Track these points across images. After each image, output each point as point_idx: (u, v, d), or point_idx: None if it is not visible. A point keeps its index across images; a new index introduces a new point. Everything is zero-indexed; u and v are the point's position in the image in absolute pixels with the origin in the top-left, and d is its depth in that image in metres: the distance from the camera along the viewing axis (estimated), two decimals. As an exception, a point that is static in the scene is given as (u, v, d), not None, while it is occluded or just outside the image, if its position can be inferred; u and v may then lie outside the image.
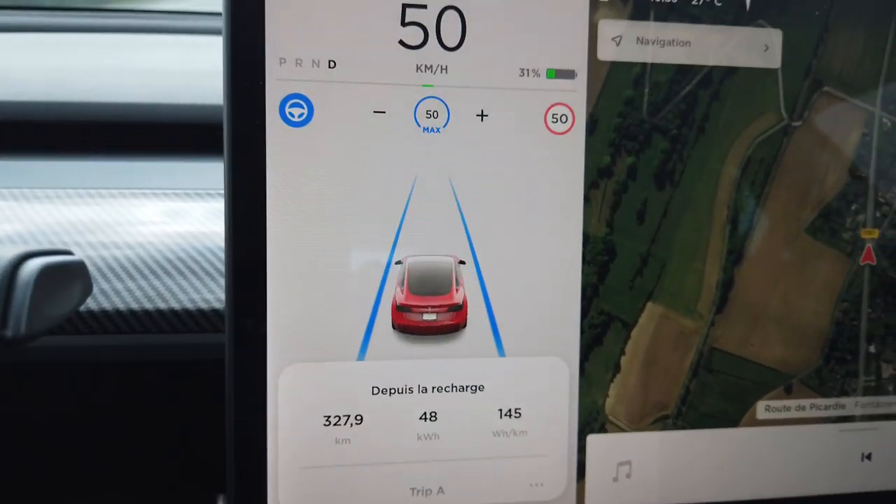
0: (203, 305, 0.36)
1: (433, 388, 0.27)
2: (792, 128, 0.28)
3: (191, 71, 0.54)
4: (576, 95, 0.27)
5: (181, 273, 0.38)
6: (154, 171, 0.47)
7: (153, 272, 0.37)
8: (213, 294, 0.37)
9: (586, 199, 0.27)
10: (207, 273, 0.38)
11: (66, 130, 0.48)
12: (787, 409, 0.29)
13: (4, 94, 0.48)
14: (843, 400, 0.30)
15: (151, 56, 0.59)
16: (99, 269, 0.37)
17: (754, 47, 0.28)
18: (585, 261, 0.27)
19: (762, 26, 0.28)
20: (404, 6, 0.26)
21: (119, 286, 0.37)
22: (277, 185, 0.25)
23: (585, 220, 0.27)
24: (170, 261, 0.38)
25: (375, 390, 0.27)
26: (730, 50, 0.28)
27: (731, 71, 0.28)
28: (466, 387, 0.27)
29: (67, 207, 0.41)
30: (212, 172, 0.46)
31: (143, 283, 0.37)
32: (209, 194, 0.44)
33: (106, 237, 0.39)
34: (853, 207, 0.29)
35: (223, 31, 0.25)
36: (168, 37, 0.64)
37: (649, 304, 0.28)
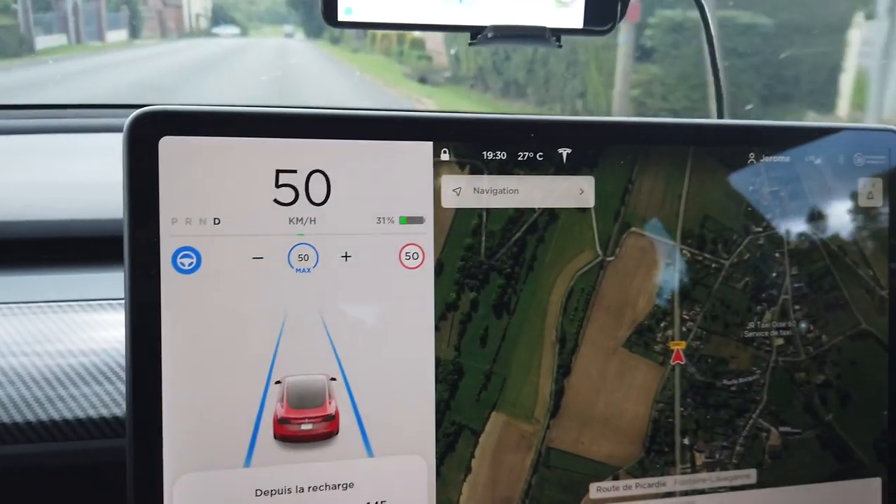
0: (105, 413, 0.40)
1: (310, 487, 0.31)
2: (606, 262, 0.34)
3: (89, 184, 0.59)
4: (425, 237, 0.33)
5: (83, 381, 0.41)
6: (53, 282, 0.51)
7: (56, 380, 0.41)
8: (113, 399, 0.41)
9: (437, 328, 0.32)
10: (108, 378, 0.42)
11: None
12: (616, 488, 0.34)
13: None
14: (665, 479, 0.35)
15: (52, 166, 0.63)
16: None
17: (572, 192, 0.34)
18: (438, 380, 0.32)
19: (577, 175, 0.34)
20: (278, 171, 0.31)
21: (23, 394, 0.40)
22: (171, 322, 0.30)
23: (437, 345, 0.32)
24: (72, 367, 0.42)
25: (259, 493, 0.31)
26: (551, 195, 0.34)
27: (553, 217, 0.33)
28: (339, 485, 0.32)
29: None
30: (109, 281, 0.50)
31: (48, 391, 0.41)
32: (110, 304, 0.48)
33: (6, 347, 0.43)
34: (662, 324, 0.35)
35: (123, 195, 0.30)
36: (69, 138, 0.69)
37: (493, 414, 0.33)
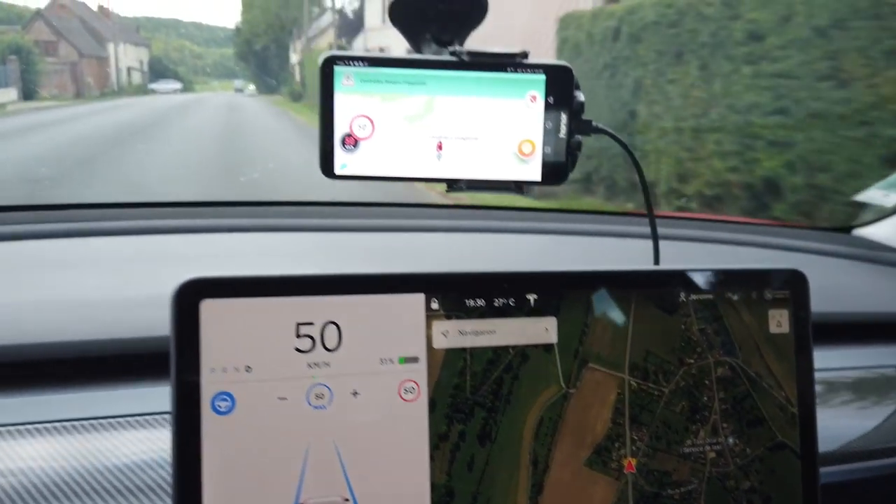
0: None
1: None
2: (569, 394, 0.41)
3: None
4: (420, 373, 0.39)
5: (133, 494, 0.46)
6: (100, 400, 0.55)
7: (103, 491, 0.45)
8: None
9: (431, 457, 0.38)
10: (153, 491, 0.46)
11: (14, 369, 0.56)
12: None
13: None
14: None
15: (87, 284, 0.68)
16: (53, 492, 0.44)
17: (539, 331, 0.41)
18: (433, 501, 0.38)
19: (543, 316, 0.41)
20: (298, 324, 0.38)
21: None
22: (210, 455, 0.35)
23: (431, 471, 0.38)
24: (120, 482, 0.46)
25: None
26: (523, 334, 0.41)
27: (525, 357, 0.40)
28: None
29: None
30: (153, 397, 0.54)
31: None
32: (155, 420, 0.52)
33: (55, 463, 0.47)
34: (616, 444, 0.42)
35: (170, 348, 0.36)
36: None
37: (480, 527, 0.39)
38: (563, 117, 0.52)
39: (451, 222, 1.02)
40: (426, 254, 0.91)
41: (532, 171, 0.53)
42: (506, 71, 0.51)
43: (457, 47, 0.51)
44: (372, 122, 0.51)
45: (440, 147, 0.52)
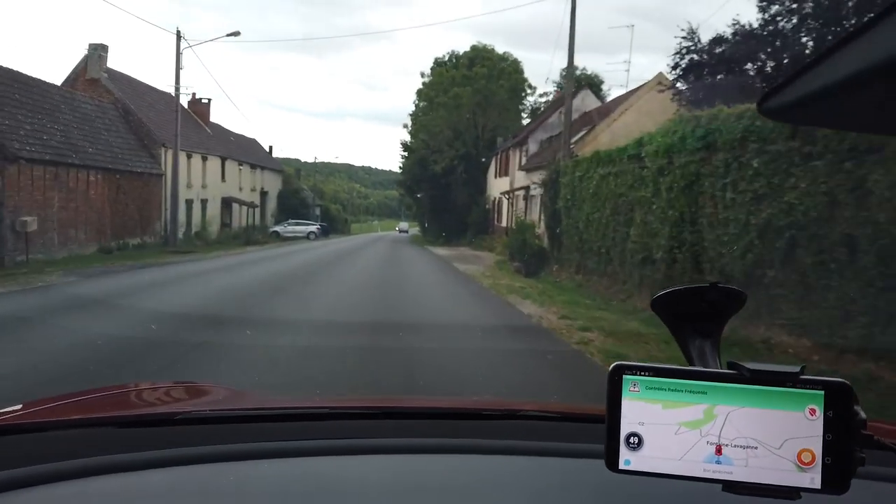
0: None
1: None
2: None
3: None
4: None
5: None
6: None
7: None
8: None
9: None
10: None
11: None
12: None
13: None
14: None
15: None
16: None
17: None
18: None
19: None
20: None
21: None
22: None
23: None
24: None
25: None
26: None
27: None
28: None
29: None
30: None
31: None
32: None
33: None
34: None
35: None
36: None
37: None
38: (843, 432, 0.54)
39: None
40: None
41: (811, 480, 0.54)
42: (785, 386, 0.55)
43: (737, 362, 0.56)
44: (655, 425, 0.56)
45: (719, 451, 0.56)
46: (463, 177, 31.09)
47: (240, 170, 28.89)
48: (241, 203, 27.91)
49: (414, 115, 35.56)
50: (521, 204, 20.70)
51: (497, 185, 27.00)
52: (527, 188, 19.41)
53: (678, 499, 0.71)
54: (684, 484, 0.57)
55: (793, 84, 0.40)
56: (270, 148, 39.88)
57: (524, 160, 21.96)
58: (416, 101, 35.35)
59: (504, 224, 23.60)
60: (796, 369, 0.55)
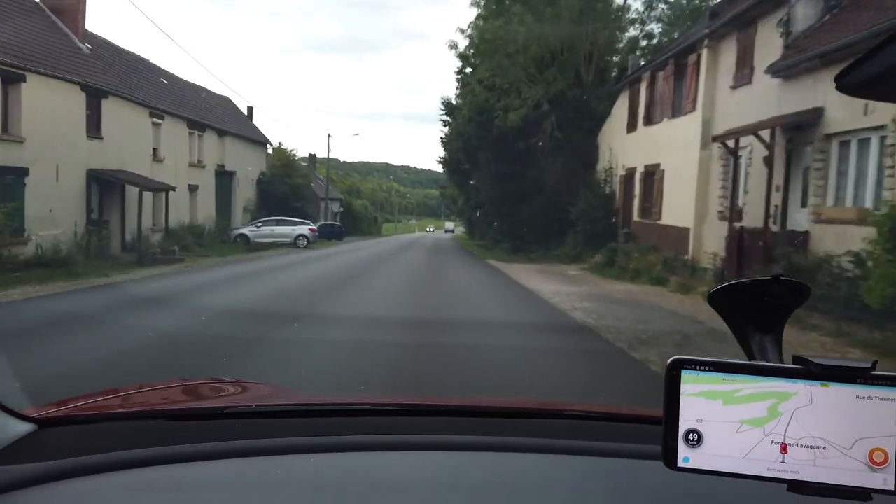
0: None
1: None
2: None
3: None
4: None
5: None
6: None
7: None
8: None
9: None
10: None
11: None
12: None
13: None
14: None
15: None
16: None
17: None
18: None
19: None
20: None
21: None
22: None
23: None
24: None
25: None
26: None
27: None
28: None
29: None
30: None
31: None
32: None
33: None
34: None
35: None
36: None
37: None
38: (921, 433, 0.51)
39: None
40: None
41: (884, 481, 0.51)
42: (856, 383, 0.52)
43: (804, 357, 0.54)
44: (715, 422, 0.54)
45: (784, 450, 0.53)
46: (556, 136, 17.62)
47: (158, 125, 16.71)
48: (147, 187, 15.18)
49: (474, 31, 20.07)
50: (719, 175, 10.48)
51: (638, 145, 14.74)
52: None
53: (736, 502, 0.68)
54: (744, 487, 0.54)
55: (871, 60, 0.38)
56: (250, 110, 27.45)
57: (780, 50, 8.91)
58: (479, 9, 20.28)
59: (662, 221, 13.11)
60: (868, 364, 0.52)
